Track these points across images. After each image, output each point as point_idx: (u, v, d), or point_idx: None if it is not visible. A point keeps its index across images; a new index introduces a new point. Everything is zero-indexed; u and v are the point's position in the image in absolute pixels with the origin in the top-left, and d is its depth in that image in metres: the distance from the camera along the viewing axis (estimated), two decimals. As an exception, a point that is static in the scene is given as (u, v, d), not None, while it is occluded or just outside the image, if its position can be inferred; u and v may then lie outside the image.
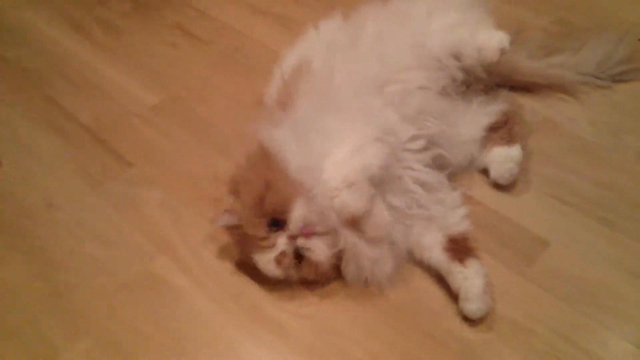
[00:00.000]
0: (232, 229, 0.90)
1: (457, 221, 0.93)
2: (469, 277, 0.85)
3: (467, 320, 0.85)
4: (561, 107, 1.16)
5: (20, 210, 1.07)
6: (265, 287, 0.92)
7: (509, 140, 1.01)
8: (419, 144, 0.94)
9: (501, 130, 1.02)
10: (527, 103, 1.17)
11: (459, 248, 0.89)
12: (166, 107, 1.25)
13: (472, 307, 0.84)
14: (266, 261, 0.86)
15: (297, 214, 0.84)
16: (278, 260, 0.86)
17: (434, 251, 0.90)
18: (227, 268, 0.95)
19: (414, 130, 0.94)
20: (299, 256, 0.86)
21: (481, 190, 1.03)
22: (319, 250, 0.85)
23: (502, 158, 1.00)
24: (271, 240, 0.85)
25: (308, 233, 0.85)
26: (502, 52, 1.00)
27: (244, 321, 0.89)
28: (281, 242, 0.85)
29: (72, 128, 1.22)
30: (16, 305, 0.93)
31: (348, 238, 0.85)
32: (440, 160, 0.98)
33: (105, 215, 1.05)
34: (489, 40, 1.00)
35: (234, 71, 1.32)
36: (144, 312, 0.91)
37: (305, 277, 0.88)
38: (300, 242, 0.85)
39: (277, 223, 0.85)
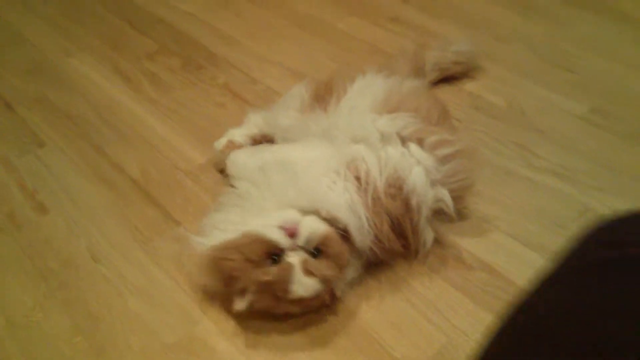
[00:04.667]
0: (256, 298, 0.92)
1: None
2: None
3: None
4: (602, 198, 1.18)
5: (64, 259, 1.09)
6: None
7: None
8: None
9: None
10: (570, 192, 1.19)
11: None
12: (214, 172, 1.27)
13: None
14: (298, 281, 0.88)
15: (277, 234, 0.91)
16: (305, 270, 0.88)
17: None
18: (269, 336, 0.95)
19: None
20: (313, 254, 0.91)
21: (523, 277, 1.03)
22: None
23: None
24: (283, 265, 0.89)
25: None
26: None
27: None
28: (290, 258, 0.89)
29: (120, 180, 1.24)
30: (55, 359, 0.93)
31: None
32: None
33: (150, 272, 1.06)
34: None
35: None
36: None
37: (335, 274, 0.92)
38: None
39: (275, 254, 0.90)
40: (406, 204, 0.99)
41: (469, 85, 1.49)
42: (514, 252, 1.07)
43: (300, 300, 0.91)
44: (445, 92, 1.45)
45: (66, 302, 1.01)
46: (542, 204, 1.17)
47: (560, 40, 1.65)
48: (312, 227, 0.93)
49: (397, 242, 0.99)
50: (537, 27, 1.71)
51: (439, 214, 1.05)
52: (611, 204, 1.16)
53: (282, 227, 0.91)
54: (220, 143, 1.23)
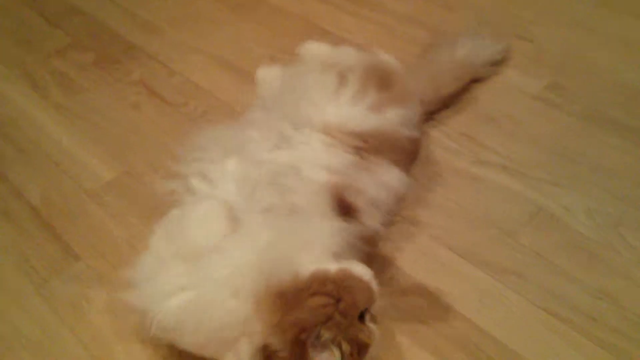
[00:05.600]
0: None
1: None
2: None
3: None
4: (557, 195, 1.05)
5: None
6: None
7: None
8: None
9: None
10: (520, 190, 1.06)
11: None
12: (121, 183, 1.13)
13: None
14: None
15: None
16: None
17: None
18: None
19: None
20: None
21: (468, 304, 0.91)
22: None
23: None
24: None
25: None
26: None
27: None
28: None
29: (18, 209, 1.10)
30: None
31: None
32: None
33: (45, 321, 0.93)
34: None
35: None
36: None
37: None
38: None
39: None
40: None
41: (413, 64, 1.32)
42: (455, 270, 0.95)
43: None
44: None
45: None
46: (489, 207, 1.03)
47: (512, 5, 1.48)
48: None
49: None
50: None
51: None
52: (567, 201, 1.03)
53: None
54: None
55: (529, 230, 0.99)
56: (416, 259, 0.97)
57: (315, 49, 1.19)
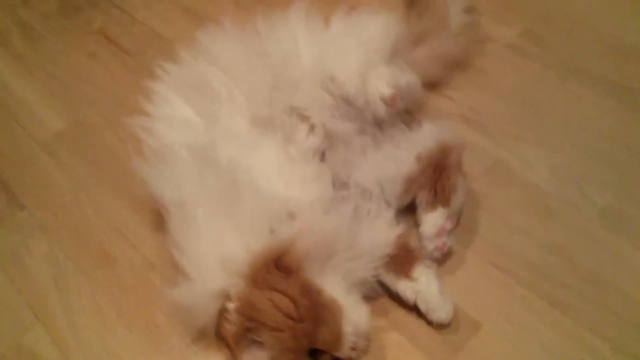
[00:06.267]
0: None
1: (388, 241, 0.80)
2: (422, 289, 0.78)
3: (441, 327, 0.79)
4: (519, 148, 0.99)
5: None
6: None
7: (433, 202, 0.84)
8: None
9: (426, 178, 0.85)
10: (478, 141, 1.00)
11: (400, 263, 0.79)
12: (72, 134, 1.10)
13: (440, 314, 0.78)
14: None
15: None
16: None
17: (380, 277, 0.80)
18: (104, 345, 0.82)
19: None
20: None
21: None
22: None
23: (420, 231, 0.85)
24: None
25: None
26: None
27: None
28: None
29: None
30: None
31: None
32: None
33: (-15, 269, 0.92)
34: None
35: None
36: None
37: None
38: None
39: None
40: None
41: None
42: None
43: None
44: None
45: None
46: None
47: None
48: None
49: None
50: None
51: None
52: (530, 155, 0.98)
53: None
54: None
55: (482, 183, 0.94)
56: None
57: None
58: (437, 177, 0.85)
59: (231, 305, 0.72)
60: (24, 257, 0.93)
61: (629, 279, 0.83)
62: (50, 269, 0.91)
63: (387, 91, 0.86)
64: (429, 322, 0.79)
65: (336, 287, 0.74)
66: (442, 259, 0.85)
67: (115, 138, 1.08)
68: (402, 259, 0.79)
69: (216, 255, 0.74)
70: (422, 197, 0.85)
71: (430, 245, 0.83)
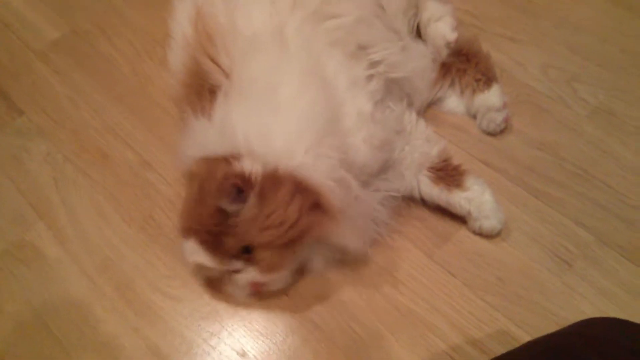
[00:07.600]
0: None
1: (432, 150, 0.83)
2: (475, 197, 0.79)
3: (486, 237, 0.80)
4: (512, 49, 0.98)
5: None
6: (141, 264, 0.82)
7: (486, 81, 0.88)
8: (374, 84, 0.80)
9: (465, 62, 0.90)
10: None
11: (448, 174, 0.81)
12: (67, 42, 1.10)
13: (493, 222, 0.79)
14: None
15: None
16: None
17: (424, 189, 0.82)
18: (104, 239, 0.85)
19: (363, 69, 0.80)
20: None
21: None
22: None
23: (484, 108, 0.88)
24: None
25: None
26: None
27: (115, 300, 0.80)
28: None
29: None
30: None
31: None
32: (399, 91, 0.86)
33: (-15, 170, 0.95)
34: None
35: (150, 2, 1.15)
36: (8, 289, 0.82)
37: None
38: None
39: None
40: None
41: None
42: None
43: None
44: None
45: None
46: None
47: None
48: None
49: None
50: None
51: None
52: (522, 56, 0.97)
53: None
54: None
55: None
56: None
57: None
58: (476, 61, 0.89)
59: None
60: (24, 160, 0.95)
61: (616, 174, 0.84)
62: (50, 169, 0.93)
63: (452, 36, 0.88)
64: (475, 232, 0.80)
65: None
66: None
67: (109, 45, 1.08)
68: (451, 171, 0.81)
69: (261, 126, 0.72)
70: (469, 82, 0.89)
71: (499, 117, 0.87)
